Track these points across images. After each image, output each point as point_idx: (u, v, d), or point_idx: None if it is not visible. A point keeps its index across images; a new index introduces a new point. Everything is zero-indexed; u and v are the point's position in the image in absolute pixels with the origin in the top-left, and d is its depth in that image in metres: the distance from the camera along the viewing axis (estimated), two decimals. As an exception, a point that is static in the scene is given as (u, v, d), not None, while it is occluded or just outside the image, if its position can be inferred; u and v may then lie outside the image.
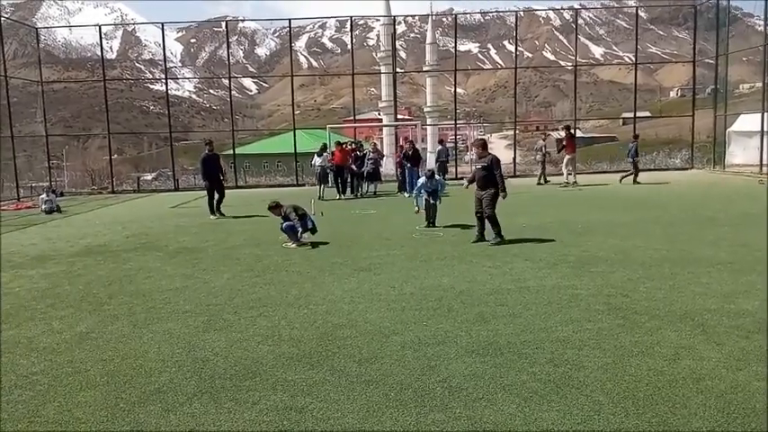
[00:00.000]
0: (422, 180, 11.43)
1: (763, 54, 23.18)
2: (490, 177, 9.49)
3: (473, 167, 10.49)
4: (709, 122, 25.94)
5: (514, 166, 26.77)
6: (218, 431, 3.74)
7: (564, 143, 20.12)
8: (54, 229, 13.88)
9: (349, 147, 20.03)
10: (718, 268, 7.46)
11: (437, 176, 11.70)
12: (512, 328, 5.47)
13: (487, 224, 9.66)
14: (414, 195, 11.67)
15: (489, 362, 4.68)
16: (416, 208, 11.51)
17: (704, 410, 3.75)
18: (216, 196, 14.48)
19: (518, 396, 4.05)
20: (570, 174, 19.85)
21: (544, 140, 22.34)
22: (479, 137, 12.24)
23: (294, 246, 9.96)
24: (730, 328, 5.25)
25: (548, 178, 21.65)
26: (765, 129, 21.36)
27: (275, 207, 10.37)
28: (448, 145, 26.08)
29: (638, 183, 19.41)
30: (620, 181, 19.86)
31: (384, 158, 23.89)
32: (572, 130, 20.60)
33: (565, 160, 20.10)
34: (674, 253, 8.50)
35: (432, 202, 11.38)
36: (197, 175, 16.53)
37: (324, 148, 19.28)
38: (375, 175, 19.67)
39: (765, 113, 21.66)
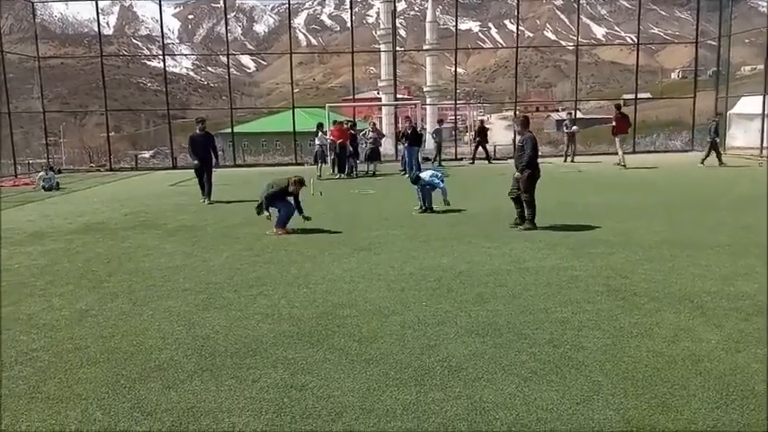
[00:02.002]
0: (416, 187, 11.06)
1: (766, 36, 23.01)
2: (524, 158, 9.10)
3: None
4: (710, 104, 25.79)
5: (514, 147, 26.66)
6: (218, 408, 3.75)
7: (614, 123, 19.10)
8: (52, 207, 13.85)
9: (346, 125, 19.90)
10: (717, 251, 7.47)
11: (426, 177, 11.07)
12: (511, 308, 5.49)
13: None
14: (418, 197, 11.10)
15: (489, 342, 4.69)
16: (419, 207, 11.06)
17: (703, 392, 3.77)
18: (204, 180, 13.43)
19: (517, 376, 4.07)
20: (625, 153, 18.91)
21: (570, 118, 22.26)
22: (523, 114, 11.38)
23: (282, 232, 9.42)
24: (729, 310, 5.27)
25: (574, 158, 21.56)
26: (766, 111, 21.27)
27: (300, 182, 9.51)
28: (446, 125, 25.97)
29: (707, 164, 18.18)
30: (709, 162, 18.45)
31: (384, 138, 23.78)
32: (622, 109, 19.42)
33: (617, 141, 19.19)
34: (674, 235, 8.50)
35: (428, 192, 10.97)
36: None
37: (319, 126, 19.13)
38: (374, 155, 19.56)
39: (766, 96, 21.56)
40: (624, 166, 18.56)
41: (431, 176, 10.97)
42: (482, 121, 26.51)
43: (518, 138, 9.65)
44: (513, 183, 9.32)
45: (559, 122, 23.65)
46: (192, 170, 13.89)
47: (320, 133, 18.81)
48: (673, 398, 3.71)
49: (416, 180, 10.92)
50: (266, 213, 9.47)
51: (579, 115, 25.65)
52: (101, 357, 4.63)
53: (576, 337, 4.74)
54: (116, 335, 5.12)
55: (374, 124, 22.01)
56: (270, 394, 3.92)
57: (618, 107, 19.50)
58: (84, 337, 5.09)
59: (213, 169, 13.72)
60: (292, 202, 9.57)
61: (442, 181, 10.96)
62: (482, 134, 22.86)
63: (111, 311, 5.77)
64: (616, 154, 19.10)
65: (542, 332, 4.87)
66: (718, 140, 18.70)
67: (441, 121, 24.39)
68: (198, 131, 13.55)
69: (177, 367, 4.40)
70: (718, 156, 18.55)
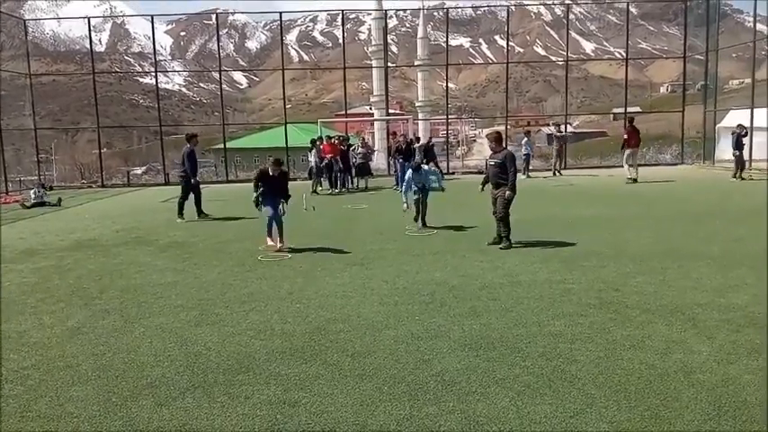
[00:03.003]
0: (409, 173, 10.76)
1: (753, 50, 23.32)
2: (504, 175, 8.80)
3: (487, 164, 9.51)
4: (698, 118, 26.05)
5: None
6: (211, 425, 3.73)
7: (625, 136, 18.67)
8: (43, 224, 13.77)
9: (336, 140, 19.96)
10: (708, 263, 7.52)
11: (425, 167, 11.05)
12: (504, 322, 5.50)
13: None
14: (402, 191, 10.87)
15: (482, 356, 4.70)
16: (405, 205, 10.82)
17: (696, 403, 3.78)
18: (191, 196, 13.27)
19: (511, 390, 4.07)
20: (632, 167, 18.47)
21: (558, 129, 22.34)
22: (495, 130, 10.93)
23: (275, 248, 9.13)
24: (721, 321, 5.30)
25: (561, 171, 21.67)
26: (755, 125, 21.49)
27: (276, 162, 9.18)
28: (414, 143, 24.39)
29: (742, 178, 17.87)
30: (734, 177, 18.05)
31: (376, 153, 23.70)
32: (635, 123, 18.91)
33: (625, 155, 18.76)
34: (665, 247, 8.56)
35: (423, 199, 10.71)
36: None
37: (313, 142, 19.18)
38: (364, 170, 19.61)
39: (754, 109, 21.79)
40: (635, 180, 18.12)
41: (428, 170, 11.03)
42: (429, 139, 25.30)
43: (491, 155, 9.23)
44: (492, 202, 9.06)
45: (550, 136, 23.82)
46: (187, 187, 13.33)
47: (314, 149, 18.85)
48: (665, 410, 3.72)
49: (418, 168, 10.70)
50: (259, 206, 9.27)
51: (570, 129, 25.86)
52: (92, 375, 4.60)
53: (569, 351, 4.74)
54: (108, 352, 5.08)
55: (363, 139, 22.00)
56: (262, 411, 3.90)
57: (630, 120, 19.01)
58: (75, 354, 5.05)
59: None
60: (281, 206, 9.24)
61: (439, 180, 11.09)
62: (428, 152, 20.84)
63: (102, 329, 5.73)
64: (632, 167, 18.57)
65: (535, 345, 4.88)
66: (737, 153, 18.23)
67: (418, 139, 23.47)
68: (192, 146, 13.34)
69: (169, 384, 4.37)
70: (740, 169, 18.19)
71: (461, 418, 3.70)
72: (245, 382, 4.35)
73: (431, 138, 26.33)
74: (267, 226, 9.39)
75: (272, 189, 9.27)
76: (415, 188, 10.71)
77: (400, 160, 18.65)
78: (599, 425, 3.56)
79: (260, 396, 4.12)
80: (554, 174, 21.68)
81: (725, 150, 24.21)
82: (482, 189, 9.34)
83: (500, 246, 8.90)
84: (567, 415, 3.69)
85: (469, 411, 3.78)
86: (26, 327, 5.85)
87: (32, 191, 18.08)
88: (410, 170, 10.81)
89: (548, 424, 3.59)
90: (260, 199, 9.27)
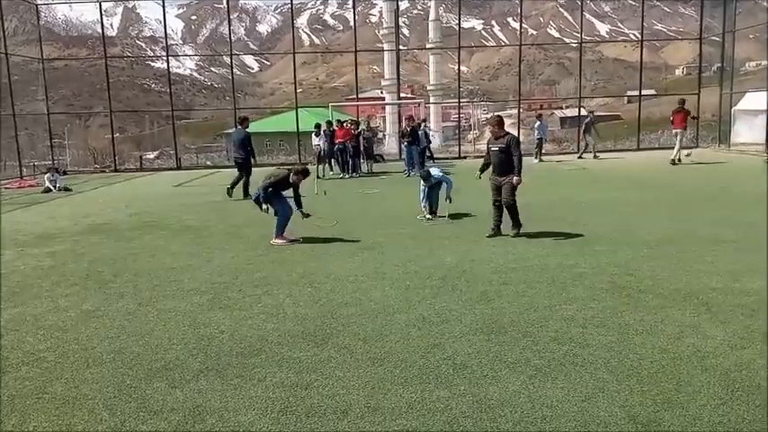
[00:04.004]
0: (422, 184, 10.49)
1: (771, 31, 22.91)
2: (509, 161, 8.33)
3: (488, 149, 8.81)
4: (714, 101, 25.69)
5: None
6: (224, 407, 3.77)
7: (672, 118, 18.35)
8: (57, 208, 13.90)
9: (349, 124, 19.92)
10: (722, 247, 7.45)
11: (436, 174, 10.35)
12: (516, 306, 5.49)
13: (505, 214, 8.62)
14: (421, 203, 10.52)
15: (494, 340, 4.70)
16: (423, 213, 10.48)
17: (708, 388, 3.77)
18: (237, 176, 14.53)
19: (522, 373, 4.07)
20: (683, 148, 18.19)
21: (590, 113, 22.20)
22: (496, 114, 10.11)
23: (283, 242, 8.71)
24: (735, 306, 5.26)
25: (597, 154, 21.52)
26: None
27: (303, 172, 8.72)
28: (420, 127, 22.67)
29: None
30: None
31: (386, 137, 23.59)
32: (685, 104, 18.34)
33: (678, 136, 18.39)
34: (679, 231, 8.48)
35: (434, 191, 10.39)
36: (200, 154, 15.30)
37: (318, 126, 19.06)
38: (367, 153, 19.61)
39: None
40: (678, 160, 17.84)
41: (438, 171, 10.57)
42: (423, 120, 23.20)
43: (493, 140, 8.70)
44: (494, 190, 8.60)
45: (563, 119, 23.62)
46: (249, 168, 14.68)
47: (320, 134, 18.79)
48: (678, 394, 3.70)
49: (428, 176, 10.35)
50: (264, 207, 8.69)
51: (584, 112, 25.59)
52: (107, 357, 4.65)
53: (581, 335, 4.73)
54: (122, 335, 5.14)
55: (368, 123, 21.88)
56: (275, 393, 3.93)
57: (681, 102, 18.48)
58: (90, 337, 5.11)
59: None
60: (292, 201, 8.84)
61: (448, 175, 10.61)
62: (413, 135, 18.77)
63: (116, 312, 5.79)
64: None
65: (547, 330, 4.87)
66: None
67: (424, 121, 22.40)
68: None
69: (183, 367, 4.41)
70: None
71: (473, 401, 3.71)
72: (258, 365, 4.39)
73: (424, 119, 25.65)
74: (282, 226, 8.77)
75: (282, 191, 8.78)
76: (425, 186, 10.42)
77: (406, 144, 18.60)
78: (611, 409, 3.56)
79: (272, 379, 4.15)
80: (579, 156, 21.53)
81: (740, 133, 23.94)
82: (479, 176, 8.94)
83: (511, 232, 8.64)
84: (578, 399, 3.69)
85: (481, 395, 3.79)
86: (41, 310, 5.93)
87: (46, 175, 18.22)
88: (421, 180, 10.52)
89: (559, 408, 3.59)
90: (263, 201, 8.64)
